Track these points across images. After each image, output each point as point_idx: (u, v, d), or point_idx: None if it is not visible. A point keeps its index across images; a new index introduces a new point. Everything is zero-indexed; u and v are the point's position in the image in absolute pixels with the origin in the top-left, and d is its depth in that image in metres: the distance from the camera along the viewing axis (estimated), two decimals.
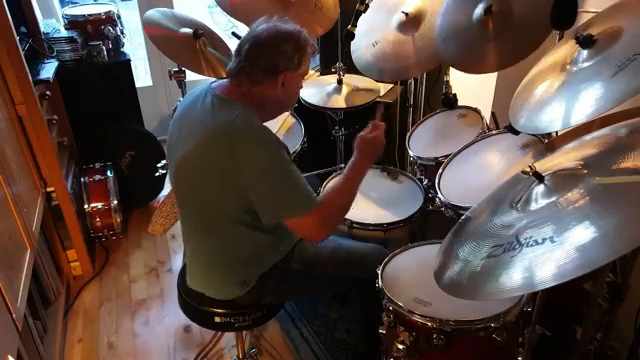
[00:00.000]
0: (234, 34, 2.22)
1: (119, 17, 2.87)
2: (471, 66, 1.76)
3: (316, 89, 2.31)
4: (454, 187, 1.69)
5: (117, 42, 2.84)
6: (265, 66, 1.39)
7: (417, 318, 1.29)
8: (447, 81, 2.08)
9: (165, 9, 2.20)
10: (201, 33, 2.07)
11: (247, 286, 1.53)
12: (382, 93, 2.46)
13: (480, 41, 1.69)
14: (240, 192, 1.36)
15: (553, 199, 0.95)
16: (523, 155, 1.64)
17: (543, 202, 0.97)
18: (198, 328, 2.16)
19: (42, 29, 2.60)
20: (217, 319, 1.58)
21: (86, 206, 2.61)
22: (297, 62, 1.41)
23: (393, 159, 2.49)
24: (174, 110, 2.93)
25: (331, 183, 1.46)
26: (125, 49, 2.91)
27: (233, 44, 2.25)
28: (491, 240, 1.00)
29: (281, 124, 2.25)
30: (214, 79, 1.55)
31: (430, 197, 1.88)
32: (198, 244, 1.57)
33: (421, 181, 1.96)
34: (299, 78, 1.47)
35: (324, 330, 2.13)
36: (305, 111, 2.26)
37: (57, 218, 2.36)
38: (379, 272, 1.45)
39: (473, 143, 1.81)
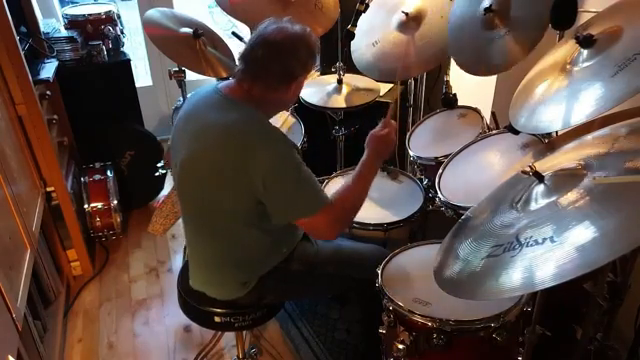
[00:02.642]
0: (234, 34, 2.22)
1: (119, 17, 2.87)
2: (483, 68, 1.75)
3: (316, 89, 2.31)
4: (454, 187, 1.69)
5: (117, 42, 2.84)
6: (281, 72, 1.39)
7: (417, 318, 1.29)
8: (447, 81, 2.08)
9: (165, 9, 2.20)
10: (201, 33, 2.07)
11: (248, 287, 1.53)
12: (382, 93, 2.46)
13: (489, 42, 1.68)
14: (248, 193, 1.36)
15: (553, 199, 0.95)
16: (523, 155, 1.64)
17: (543, 202, 0.97)
18: (198, 328, 2.16)
19: (42, 29, 2.60)
20: (217, 319, 1.58)
21: (86, 206, 2.61)
22: (309, 66, 1.43)
23: (393, 159, 2.48)
24: (174, 110, 2.96)
25: (342, 182, 1.48)
26: (125, 49, 2.91)
27: (233, 44, 2.27)
28: (491, 240, 1.00)
29: (281, 124, 2.25)
30: (219, 79, 1.55)
31: (430, 197, 1.88)
32: (200, 244, 1.57)
33: (421, 181, 1.96)
34: (304, 79, 1.48)
35: (324, 330, 2.13)
36: (305, 111, 2.26)
37: (57, 218, 2.36)
38: (379, 272, 1.45)
39: (473, 143, 1.81)
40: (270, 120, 1.56)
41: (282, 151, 1.36)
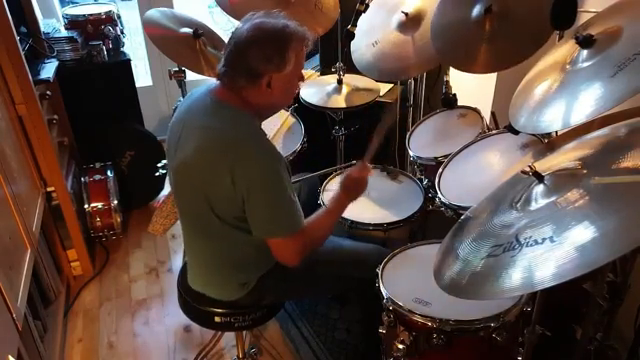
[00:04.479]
0: None
1: (119, 17, 2.87)
2: (466, 65, 1.76)
3: (316, 89, 2.31)
4: (454, 187, 1.69)
5: (117, 42, 2.85)
6: (246, 69, 1.33)
7: (417, 318, 1.29)
8: (447, 81, 2.08)
9: (165, 9, 2.20)
10: (201, 33, 2.07)
11: (248, 287, 1.53)
12: (382, 93, 2.46)
13: (475, 40, 1.69)
14: (236, 200, 1.35)
15: (553, 199, 0.95)
16: (523, 155, 1.64)
17: (543, 202, 0.97)
18: (198, 328, 2.16)
19: (42, 29, 2.60)
20: (217, 319, 1.58)
21: (86, 206, 2.61)
22: (279, 61, 1.33)
23: (393, 159, 2.49)
24: (174, 110, 2.95)
25: (314, 215, 1.50)
26: (125, 49, 2.91)
27: None
28: (491, 240, 1.00)
29: (281, 124, 2.25)
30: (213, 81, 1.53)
31: (430, 197, 1.88)
32: (198, 246, 1.57)
33: (421, 181, 1.96)
34: (288, 77, 1.37)
35: (324, 330, 2.13)
36: (305, 111, 2.26)
37: (57, 218, 2.36)
38: (379, 272, 1.45)
39: (473, 143, 1.81)
40: (269, 120, 1.56)
41: (269, 164, 1.34)
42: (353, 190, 1.54)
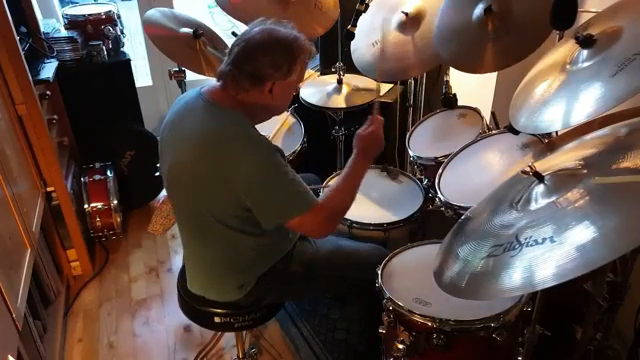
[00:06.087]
0: (234, 34, 2.22)
1: (119, 17, 2.87)
2: (470, 66, 1.76)
3: (316, 89, 2.31)
4: (454, 187, 1.69)
5: (117, 42, 2.85)
6: (251, 72, 1.34)
7: (417, 318, 1.29)
8: (447, 81, 2.08)
9: (165, 9, 2.20)
10: (201, 33, 2.08)
11: (246, 289, 1.53)
12: (382, 93, 2.46)
13: (479, 41, 1.69)
14: (234, 199, 1.35)
15: (553, 199, 0.95)
16: (523, 155, 1.64)
17: (543, 202, 0.97)
18: (198, 328, 2.16)
19: (42, 29, 2.60)
20: (217, 319, 1.58)
21: (86, 206, 2.61)
22: (286, 70, 1.36)
23: (393, 159, 2.49)
24: None
25: (332, 181, 1.45)
26: (125, 49, 2.91)
27: None
28: (491, 240, 1.00)
29: (281, 124, 2.25)
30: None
31: (430, 197, 1.88)
32: (195, 249, 1.57)
33: (421, 181, 1.96)
34: (289, 86, 1.41)
35: (324, 330, 2.13)
36: (305, 111, 2.26)
37: (57, 218, 2.36)
38: (379, 272, 1.45)
39: (473, 143, 1.81)
40: (269, 120, 1.55)
41: (263, 158, 1.34)
42: (369, 148, 1.50)
